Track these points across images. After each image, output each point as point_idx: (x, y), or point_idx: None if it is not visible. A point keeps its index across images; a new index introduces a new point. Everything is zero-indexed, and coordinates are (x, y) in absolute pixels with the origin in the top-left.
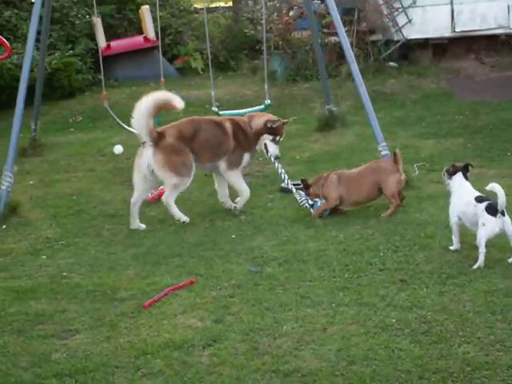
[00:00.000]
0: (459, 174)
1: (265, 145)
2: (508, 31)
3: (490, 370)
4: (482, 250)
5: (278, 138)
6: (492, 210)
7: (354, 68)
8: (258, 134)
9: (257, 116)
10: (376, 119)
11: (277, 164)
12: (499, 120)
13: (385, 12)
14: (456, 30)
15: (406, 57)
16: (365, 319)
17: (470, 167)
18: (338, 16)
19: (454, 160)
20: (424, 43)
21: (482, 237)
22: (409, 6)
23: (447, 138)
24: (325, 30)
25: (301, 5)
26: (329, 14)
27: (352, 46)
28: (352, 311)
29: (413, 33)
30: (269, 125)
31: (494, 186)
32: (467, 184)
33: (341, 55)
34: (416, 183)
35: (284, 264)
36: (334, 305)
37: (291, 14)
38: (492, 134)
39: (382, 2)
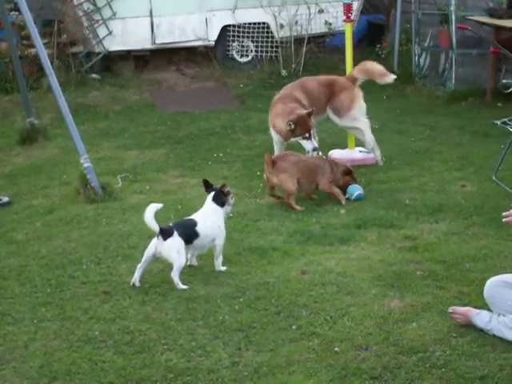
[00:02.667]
0: (209, 196)
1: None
2: (207, 43)
3: (191, 375)
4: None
5: (308, 135)
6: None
7: (53, 80)
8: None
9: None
10: (77, 131)
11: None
12: (200, 130)
13: (85, 24)
14: (156, 42)
15: (109, 68)
16: (68, 333)
17: (222, 191)
18: (35, 28)
19: (156, 170)
20: (126, 55)
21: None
22: (109, 18)
23: (150, 149)
24: (25, 42)
25: None
26: None
27: (53, 58)
28: (55, 326)
29: (114, 45)
30: (288, 128)
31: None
32: (205, 207)
33: (42, 67)
34: (119, 194)
35: None
36: (36, 321)
37: None
38: (193, 143)
39: (82, 14)
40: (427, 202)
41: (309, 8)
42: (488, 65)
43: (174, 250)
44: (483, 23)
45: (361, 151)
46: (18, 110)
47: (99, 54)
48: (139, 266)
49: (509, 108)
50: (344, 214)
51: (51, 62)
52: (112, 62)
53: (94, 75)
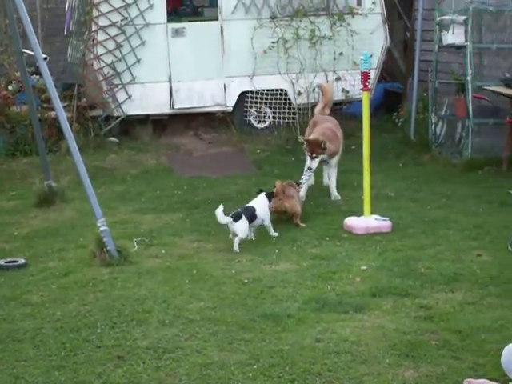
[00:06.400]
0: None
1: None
2: (225, 109)
3: None
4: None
5: (311, 155)
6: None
7: (72, 143)
8: None
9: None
10: (95, 195)
11: (308, 173)
12: (216, 195)
13: (105, 88)
14: (175, 106)
15: (127, 132)
16: None
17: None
18: (55, 91)
19: (172, 234)
20: (144, 119)
21: None
22: (128, 83)
23: (167, 213)
24: (45, 105)
25: (20, 79)
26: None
27: (72, 121)
28: None
29: (133, 109)
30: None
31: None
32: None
33: (61, 130)
34: (135, 258)
35: None
36: None
37: (10, 88)
38: (210, 208)
39: (101, 78)
40: (443, 271)
41: (326, 75)
42: (504, 134)
43: (242, 228)
44: (499, 93)
45: (376, 219)
46: (37, 173)
47: (118, 117)
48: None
49: None
50: (359, 281)
51: (70, 125)
52: (130, 125)
53: (112, 139)
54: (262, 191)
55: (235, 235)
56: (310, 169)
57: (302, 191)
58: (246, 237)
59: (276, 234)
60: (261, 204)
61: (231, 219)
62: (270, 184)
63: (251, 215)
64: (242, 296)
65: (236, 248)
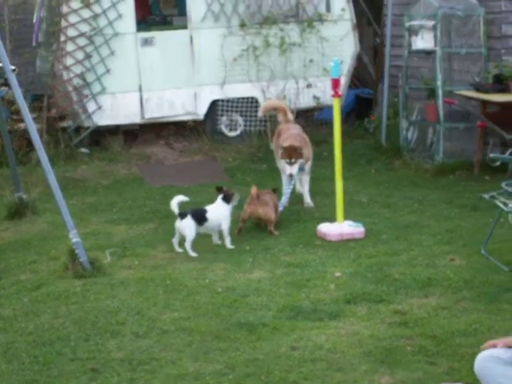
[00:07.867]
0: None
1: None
2: (196, 117)
3: None
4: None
5: (290, 161)
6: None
7: (42, 155)
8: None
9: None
10: (66, 206)
11: (291, 181)
12: (188, 204)
13: (75, 99)
14: (145, 116)
15: (98, 143)
16: None
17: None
18: (25, 103)
19: (145, 245)
20: (115, 129)
21: None
22: (98, 93)
23: (139, 224)
24: (14, 117)
25: None
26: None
27: (42, 132)
28: None
29: (103, 119)
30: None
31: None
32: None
33: (31, 142)
34: (108, 269)
35: None
36: None
37: None
38: None
39: (71, 89)
40: (416, 276)
41: (297, 82)
42: (475, 138)
43: (187, 227)
44: (470, 97)
45: (350, 225)
46: (7, 185)
47: (88, 128)
48: (174, 239)
49: (496, 181)
50: (333, 288)
51: (40, 137)
52: (101, 136)
53: (82, 149)
54: (221, 190)
55: (181, 234)
56: (291, 175)
57: (285, 199)
58: (192, 237)
59: (231, 246)
60: (217, 207)
61: (178, 217)
62: (243, 192)
63: (200, 216)
64: (216, 305)
65: (190, 252)
